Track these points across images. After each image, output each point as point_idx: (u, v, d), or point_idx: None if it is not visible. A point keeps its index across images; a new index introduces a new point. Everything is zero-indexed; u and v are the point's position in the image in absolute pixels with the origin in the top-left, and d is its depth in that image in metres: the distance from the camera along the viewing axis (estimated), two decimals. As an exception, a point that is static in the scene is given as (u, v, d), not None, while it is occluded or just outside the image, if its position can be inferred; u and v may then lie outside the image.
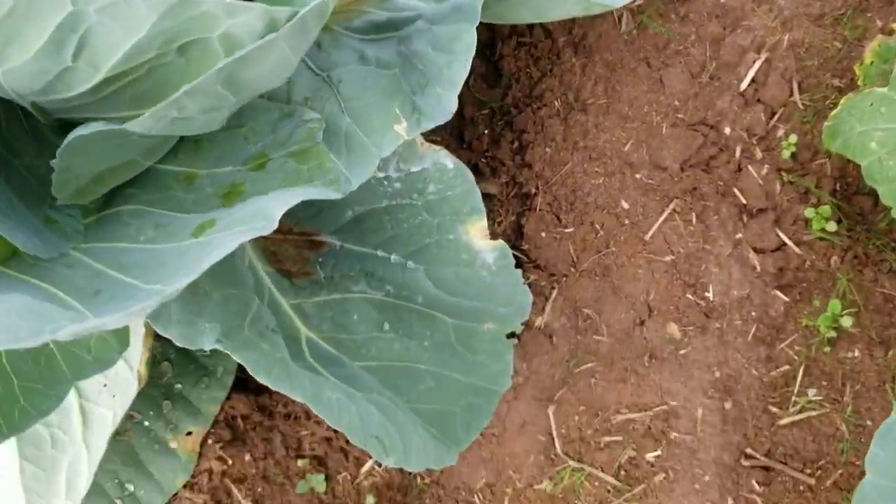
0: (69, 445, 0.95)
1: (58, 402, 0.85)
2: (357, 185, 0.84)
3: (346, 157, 0.84)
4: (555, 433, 1.15)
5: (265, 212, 0.65)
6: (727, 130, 1.13)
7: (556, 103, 1.18)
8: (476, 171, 1.23)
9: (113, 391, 0.95)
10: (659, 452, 1.11)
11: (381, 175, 1.00)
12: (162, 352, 1.12)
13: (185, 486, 1.13)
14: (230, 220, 0.69)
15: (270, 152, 0.82)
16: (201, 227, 0.72)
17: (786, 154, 1.12)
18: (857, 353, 1.13)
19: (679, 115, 1.13)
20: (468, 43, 0.82)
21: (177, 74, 0.66)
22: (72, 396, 0.96)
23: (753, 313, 1.12)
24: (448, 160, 0.97)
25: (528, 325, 1.18)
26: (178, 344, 0.78)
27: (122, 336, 0.89)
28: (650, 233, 1.12)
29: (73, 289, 0.71)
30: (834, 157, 1.13)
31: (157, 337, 1.14)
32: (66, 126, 0.74)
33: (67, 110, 0.72)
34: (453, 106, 0.83)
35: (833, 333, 1.12)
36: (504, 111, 1.22)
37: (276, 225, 0.63)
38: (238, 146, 0.85)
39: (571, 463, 1.13)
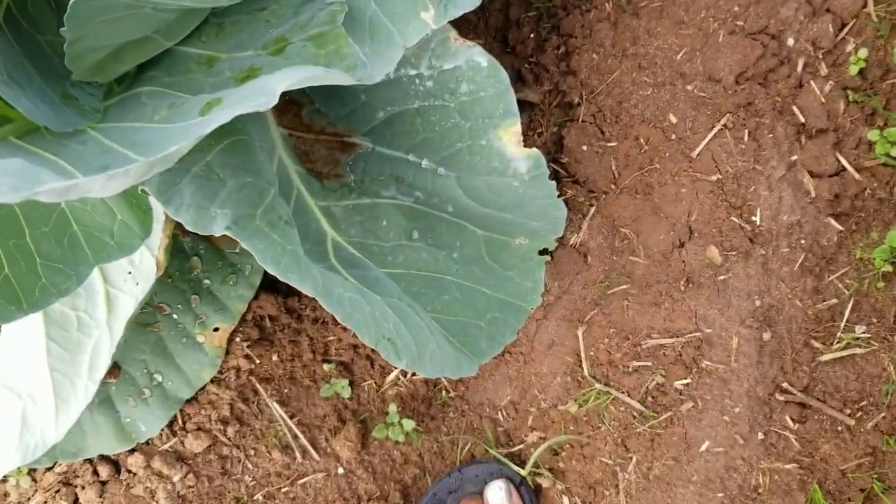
0: (94, 329, 0.96)
1: (78, 283, 0.86)
2: (381, 76, 0.81)
3: (370, 45, 0.81)
4: (583, 355, 1.12)
5: (267, 87, 0.62)
6: (790, 41, 1.04)
7: (606, 5, 1.10)
8: (519, 77, 1.17)
9: (137, 279, 0.95)
10: (689, 381, 1.07)
11: (412, 73, 0.96)
12: (192, 246, 1.12)
13: (212, 382, 1.15)
14: (235, 97, 0.67)
15: (291, 36, 0.79)
16: (209, 106, 0.69)
17: (853, 70, 1.03)
18: (914, 291, 1.05)
19: (738, 23, 1.04)
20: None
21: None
22: (98, 282, 0.97)
23: (803, 241, 1.05)
24: (482, 58, 0.92)
25: (562, 242, 1.14)
26: (189, 229, 0.77)
27: (144, 223, 0.89)
28: (697, 150, 1.06)
29: (81, 162, 0.70)
30: (909, 78, 1.04)
31: (188, 231, 1.15)
32: (88, 2, 0.72)
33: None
34: (481, -8, 0.78)
35: (889, 268, 1.04)
36: (551, 13, 1.15)
37: (275, 100, 0.61)
38: (260, 30, 0.83)
39: (598, 386, 1.10)
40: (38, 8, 0.83)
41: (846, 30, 1.04)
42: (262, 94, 0.62)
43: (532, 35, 1.16)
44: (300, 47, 0.78)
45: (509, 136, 0.96)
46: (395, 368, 1.18)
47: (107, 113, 0.82)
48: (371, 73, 0.79)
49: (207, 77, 0.82)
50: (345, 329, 1.18)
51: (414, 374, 1.18)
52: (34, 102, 0.73)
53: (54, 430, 0.93)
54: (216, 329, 1.11)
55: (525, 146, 0.95)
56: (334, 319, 1.18)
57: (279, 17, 0.82)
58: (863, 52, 1.03)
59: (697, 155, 1.06)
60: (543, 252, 1.04)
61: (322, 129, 1.07)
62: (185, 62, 0.84)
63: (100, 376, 0.92)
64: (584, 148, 1.11)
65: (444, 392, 1.19)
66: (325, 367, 1.17)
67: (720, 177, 1.05)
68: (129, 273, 0.96)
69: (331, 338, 1.18)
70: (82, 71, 0.76)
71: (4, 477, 1.14)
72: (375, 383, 1.18)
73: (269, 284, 1.18)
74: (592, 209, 1.12)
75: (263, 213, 0.81)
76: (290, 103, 1.05)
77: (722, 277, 1.06)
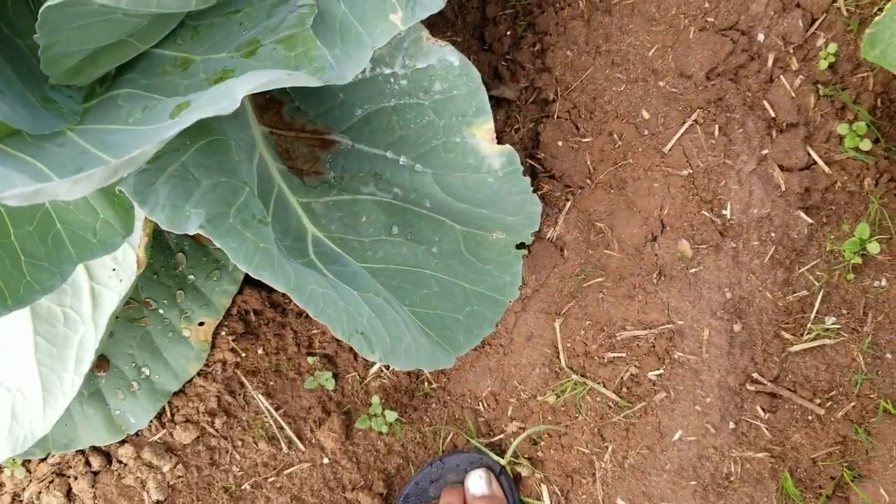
0: (80, 324, 0.99)
1: (62, 280, 0.89)
2: (351, 76, 0.83)
3: (341, 47, 0.83)
4: (560, 347, 1.14)
5: (230, 92, 0.65)
6: (760, 37, 1.06)
7: (579, 3, 1.12)
8: (496, 74, 1.19)
9: (121, 276, 0.98)
10: (661, 371, 1.09)
11: (387, 72, 0.98)
12: (177, 243, 1.15)
13: (199, 375, 1.18)
14: (201, 100, 0.69)
15: (262, 38, 0.82)
16: (178, 108, 0.72)
17: (823, 65, 1.05)
18: (883, 282, 1.07)
19: (709, 19, 1.06)
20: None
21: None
22: (84, 279, 1.00)
23: (773, 234, 1.07)
24: (454, 56, 0.94)
25: (539, 236, 1.16)
26: (164, 228, 0.79)
27: (126, 221, 0.92)
28: (669, 145, 1.08)
29: (58, 165, 0.72)
30: (878, 72, 1.05)
31: (173, 229, 1.18)
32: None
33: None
34: (446, -6, 0.80)
35: (859, 260, 1.06)
36: (527, 11, 1.17)
37: (237, 104, 0.63)
38: (234, 32, 0.85)
39: (575, 377, 1.13)
40: (18, 12, 0.86)
41: (816, 25, 1.06)
42: (225, 97, 0.65)
43: (508, 32, 1.18)
44: (271, 49, 0.81)
45: (483, 134, 0.98)
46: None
47: (85, 115, 0.85)
48: (341, 73, 0.82)
49: (182, 79, 0.84)
50: (328, 323, 1.20)
51: (396, 367, 1.21)
52: (12, 107, 0.76)
53: (42, 423, 0.96)
54: (201, 323, 1.14)
55: (502, 142, 0.97)
56: (318, 313, 1.21)
57: (252, 19, 0.85)
58: (832, 47, 1.04)
59: (669, 150, 1.08)
60: (521, 246, 1.06)
61: (302, 126, 1.10)
62: (162, 64, 0.87)
63: (85, 370, 0.95)
64: (560, 144, 1.13)
65: (426, 384, 1.21)
66: (310, 359, 1.20)
67: (691, 171, 1.07)
68: (114, 270, 0.99)
69: (315, 331, 1.21)
70: (59, 75, 0.79)
71: (-1, 468, 1.18)
72: (359, 375, 1.21)
73: (254, 280, 1.20)
74: (568, 204, 1.14)
75: (237, 212, 0.83)
76: (271, 101, 1.08)
77: (693, 270, 1.08)
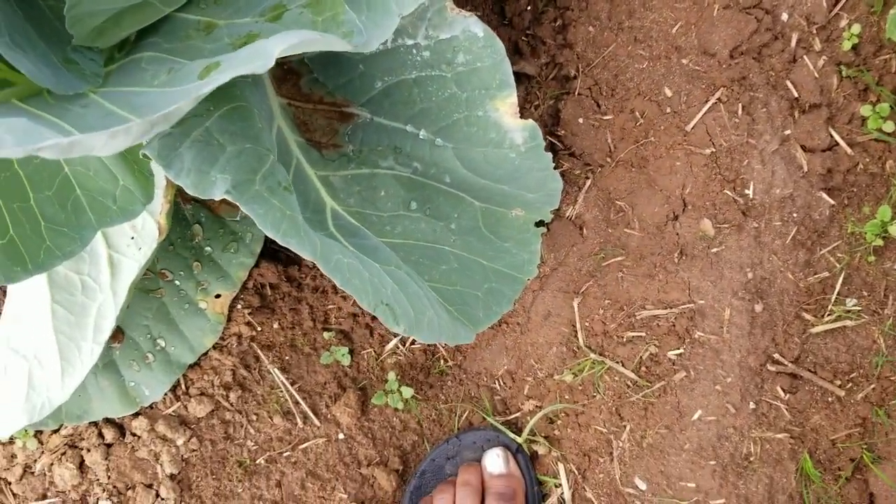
0: (98, 292, 0.98)
1: (82, 247, 0.88)
2: (376, 44, 0.82)
3: (367, 13, 0.82)
4: (578, 326, 1.13)
5: (264, 50, 0.64)
6: (784, 16, 1.05)
7: (602, -21, 1.12)
8: (516, 49, 1.18)
9: (140, 244, 0.97)
10: (681, 351, 1.09)
11: (409, 42, 0.97)
12: (194, 214, 1.14)
13: (214, 348, 1.17)
14: (233, 60, 0.69)
15: (288, 2, 0.81)
16: (207, 69, 0.71)
17: (846, 46, 1.04)
18: (905, 265, 1.07)
19: (733, -3, 1.05)
20: None
21: None
22: (102, 247, 0.99)
23: (795, 215, 1.07)
24: (478, 27, 0.93)
25: (559, 214, 1.15)
26: (190, 192, 0.78)
27: (146, 188, 0.91)
28: (692, 123, 1.07)
29: (85, 126, 0.72)
30: (903, 53, 1.05)
31: (190, 199, 1.17)
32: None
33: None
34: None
35: (880, 242, 1.06)
36: (549, -14, 1.16)
37: (272, 63, 0.62)
38: (258, -4, 0.84)
39: (593, 356, 1.12)
40: (41, -26, 0.85)
41: (839, 5, 1.05)
42: (260, 56, 0.64)
43: (529, 7, 1.17)
44: (297, 14, 0.80)
45: (506, 108, 0.97)
46: (394, 337, 1.20)
47: (108, 78, 0.84)
48: (367, 40, 0.81)
49: (206, 43, 0.83)
50: (345, 298, 1.20)
51: (413, 343, 1.20)
52: (37, 66, 0.75)
53: (61, 391, 0.96)
54: (218, 296, 1.13)
55: (522, 118, 0.97)
56: (334, 288, 1.21)
57: (277, -17, 0.84)
58: (856, 28, 1.04)
59: (692, 128, 1.07)
60: (540, 224, 1.05)
61: (321, 98, 1.09)
62: (185, 28, 0.86)
63: (104, 338, 0.95)
64: (581, 121, 1.13)
65: (441, 361, 1.21)
66: (326, 335, 1.19)
67: (714, 150, 1.07)
68: (132, 238, 0.98)
69: (330, 306, 1.20)
70: (83, 35, 0.78)
71: (11, 439, 1.17)
72: (374, 352, 1.20)
73: (270, 253, 1.20)
74: (588, 182, 1.13)
75: (262, 179, 0.82)
76: (289, 73, 1.07)
77: (715, 250, 1.07)
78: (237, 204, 0.80)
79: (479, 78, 0.96)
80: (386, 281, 0.93)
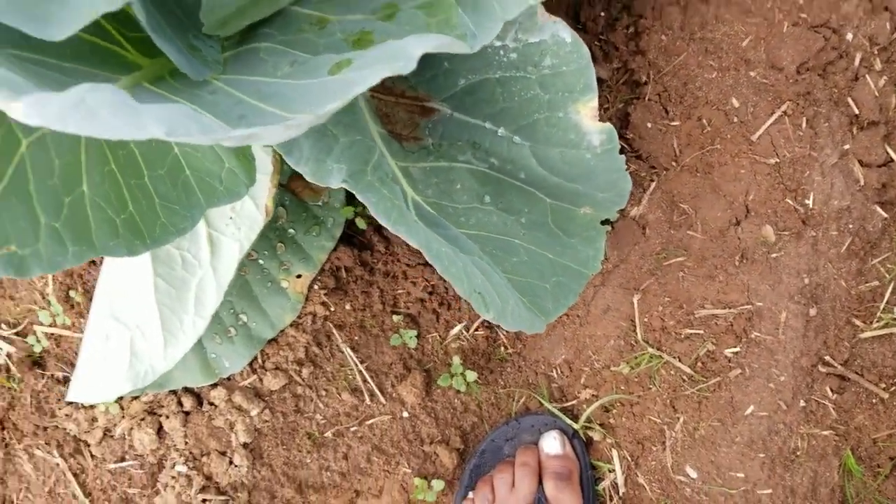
0: (198, 268, 1.05)
1: (192, 224, 0.94)
2: (479, 47, 0.88)
3: (473, 16, 0.88)
4: (637, 320, 1.19)
5: (404, 51, 0.70)
6: (849, 36, 1.11)
7: (678, -9, 1.17)
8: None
9: (238, 224, 1.04)
10: (738, 349, 1.15)
11: (497, 44, 1.03)
12: (278, 198, 1.20)
13: (291, 326, 1.24)
14: (366, 59, 0.75)
15: (400, 2, 0.87)
16: (338, 66, 0.77)
17: (909, 66, 1.10)
18: (954, 277, 1.12)
19: (802, 15, 1.11)
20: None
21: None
22: (201, 225, 1.06)
23: (851, 226, 1.12)
24: (566, 33, 0.99)
25: (623, 214, 1.21)
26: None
27: (249, 172, 0.97)
28: (757, 134, 1.13)
29: (219, 112, 0.78)
30: (963, 75, 1.10)
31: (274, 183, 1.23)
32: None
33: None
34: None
35: (932, 253, 1.11)
36: (624, -5, 1.22)
37: (414, 65, 0.68)
38: (368, -5, 0.90)
39: (650, 350, 1.18)
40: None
41: (905, 27, 1.11)
42: (401, 57, 0.70)
43: (603, 13, 1.23)
44: (410, 14, 0.86)
45: (587, 111, 1.03)
46: (458, 324, 1.26)
47: (226, 65, 0.90)
48: (474, 44, 0.87)
49: (319, 38, 0.89)
50: (414, 283, 1.26)
51: (476, 330, 1.26)
52: (173, 51, 0.81)
53: (163, 361, 1.02)
54: (299, 276, 1.20)
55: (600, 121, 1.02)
56: (404, 274, 1.27)
57: (388, -16, 0.90)
58: (919, 50, 1.09)
59: (757, 138, 1.13)
60: (605, 222, 1.11)
61: (403, 92, 1.15)
62: (298, 22, 0.92)
63: (208, 313, 1.01)
64: (649, 125, 1.18)
65: (502, 348, 1.27)
66: (394, 318, 1.26)
67: (778, 160, 1.13)
68: (231, 218, 1.05)
69: (400, 291, 1.27)
70: (212, 23, 0.84)
71: (93, 404, 1.24)
72: (439, 336, 1.26)
73: (346, 237, 1.26)
74: (653, 184, 1.19)
75: (373, 169, 0.89)
76: (377, 67, 1.13)
77: (774, 255, 1.13)
78: (353, 192, 0.86)
79: (564, 81, 1.02)
80: (473, 270, 0.99)
